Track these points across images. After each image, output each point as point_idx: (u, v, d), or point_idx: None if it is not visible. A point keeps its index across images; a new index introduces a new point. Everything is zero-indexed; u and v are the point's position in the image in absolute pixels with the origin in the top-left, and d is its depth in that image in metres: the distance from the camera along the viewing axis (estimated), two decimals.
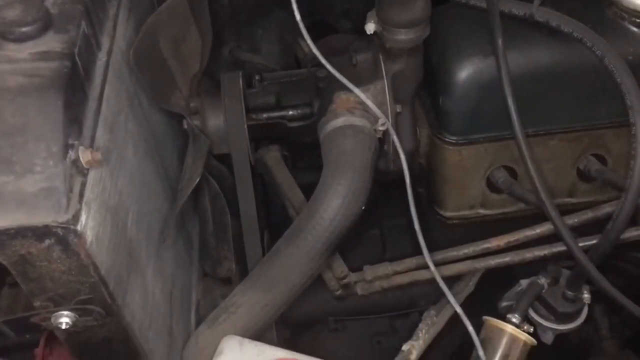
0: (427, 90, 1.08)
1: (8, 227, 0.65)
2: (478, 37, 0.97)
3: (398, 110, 1.03)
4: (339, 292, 1.11)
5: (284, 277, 0.94)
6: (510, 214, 1.09)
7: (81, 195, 0.69)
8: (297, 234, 0.94)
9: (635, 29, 0.97)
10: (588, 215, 1.01)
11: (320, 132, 1.01)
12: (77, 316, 0.75)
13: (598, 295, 1.04)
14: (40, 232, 0.66)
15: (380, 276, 1.08)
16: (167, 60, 0.96)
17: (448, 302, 1.00)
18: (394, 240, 1.27)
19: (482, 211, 1.09)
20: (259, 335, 0.97)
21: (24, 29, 0.73)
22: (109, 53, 0.85)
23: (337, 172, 0.93)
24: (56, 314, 0.74)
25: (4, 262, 0.68)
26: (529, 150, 0.94)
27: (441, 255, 1.05)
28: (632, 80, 0.90)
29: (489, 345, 0.99)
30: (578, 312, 1.06)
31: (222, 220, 1.06)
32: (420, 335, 1.06)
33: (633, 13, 0.96)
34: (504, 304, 1.10)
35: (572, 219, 1.01)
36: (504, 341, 0.99)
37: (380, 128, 0.99)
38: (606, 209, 1.00)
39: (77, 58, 0.74)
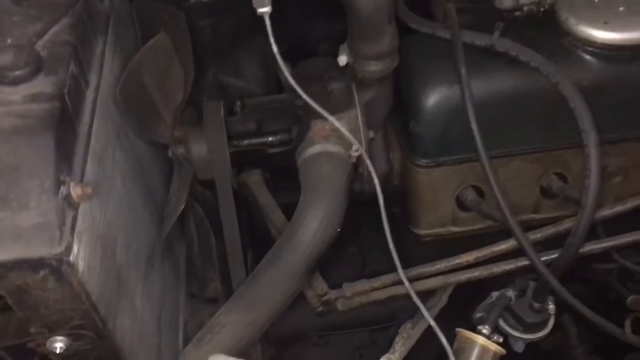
0: (398, 115, 1.14)
1: (6, 260, 0.69)
2: (443, 67, 1.03)
3: (371, 135, 1.09)
4: (320, 308, 1.16)
5: (266, 297, 0.99)
6: (480, 231, 1.14)
7: (73, 227, 0.73)
8: (277, 255, 0.99)
9: (588, 57, 1.03)
10: (550, 230, 1.07)
11: (298, 158, 1.06)
12: (70, 341, 0.79)
13: (566, 304, 1.10)
14: (36, 264, 0.70)
15: (359, 292, 1.13)
16: (152, 94, 1.01)
17: (423, 315, 1.05)
18: (373, 258, 1.32)
19: (453, 228, 1.14)
20: (245, 353, 1.02)
21: (16, 73, 0.78)
22: (97, 89, 0.90)
23: (314, 197, 0.98)
24: (51, 339, 0.78)
25: (2, 292, 0.72)
26: (492, 171, 1.00)
27: (415, 271, 1.10)
28: (584, 105, 0.96)
29: (461, 355, 1.04)
30: (545, 322, 1.11)
31: (207, 244, 1.11)
32: (397, 347, 1.12)
33: (586, 42, 1.02)
34: (477, 315, 1.15)
35: (536, 235, 1.07)
36: (476, 352, 1.04)
37: (354, 153, 1.04)
38: (567, 224, 1.06)
39: (66, 98, 0.78)
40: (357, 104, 1.06)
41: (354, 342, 1.32)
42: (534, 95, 1.02)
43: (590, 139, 0.95)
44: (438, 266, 1.11)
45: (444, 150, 1.07)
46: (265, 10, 0.93)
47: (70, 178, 0.75)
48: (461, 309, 1.18)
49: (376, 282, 1.13)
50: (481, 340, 1.04)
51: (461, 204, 1.12)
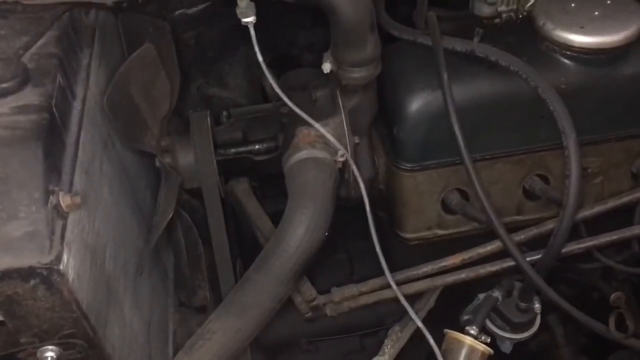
0: (382, 121, 1.15)
1: None
2: (426, 72, 1.05)
3: (356, 141, 1.10)
4: (309, 314, 1.17)
5: (255, 302, 0.99)
6: (465, 233, 1.16)
7: (62, 237, 0.74)
8: (265, 261, 0.99)
9: (566, 61, 1.05)
10: (534, 231, 1.09)
11: (284, 165, 1.08)
12: (61, 350, 0.79)
13: (551, 304, 1.12)
14: (26, 273, 0.71)
15: (347, 297, 1.14)
16: (138, 104, 1.02)
17: (411, 318, 1.06)
18: (361, 263, 1.33)
19: (439, 231, 1.16)
20: (235, 359, 1.02)
21: (4, 85, 0.79)
22: (84, 101, 0.90)
23: (300, 202, 0.99)
24: (41, 348, 0.78)
25: None
26: (476, 174, 1.02)
27: (403, 274, 1.12)
28: (563, 107, 0.99)
29: (449, 356, 1.05)
30: (531, 322, 1.13)
31: (195, 252, 1.12)
32: (386, 350, 1.13)
33: (563, 46, 1.05)
34: (465, 317, 1.17)
35: (520, 236, 1.09)
36: (463, 352, 1.06)
37: (340, 159, 1.06)
38: (549, 225, 1.08)
39: (54, 109, 0.79)
40: (342, 110, 1.07)
41: (344, 347, 1.32)
42: (514, 99, 1.05)
43: (570, 140, 0.98)
44: (425, 269, 1.12)
45: (428, 154, 1.09)
46: (249, 20, 0.95)
47: (59, 188, 0.76)
48: (449, 311, 1.20)
49: (364, 287, 1.14)
50: (469, 341, 1.06)
51: (446, 207, 1.13)
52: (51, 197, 0.74)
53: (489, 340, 1.10)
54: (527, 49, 1.06)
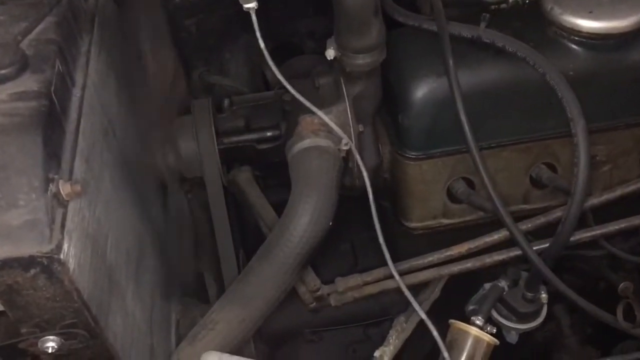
0: (387, 109, 1.14)
1: None
2: (431, 59, 1.04)
3: (360, 129, 1.09)
4: (313, 304, 1.16)
5: (259, 292, 0.99)
6: (471, 222, 1.15)
7: (63, 225, 0.72)
8: (269, 251, 0.98)
9: (574, 46, 1.04)
10: (541, 220, 1.08)
11: (287, 154, 1.06)
12: (62, 340, 0.78)
13: (558, 294, 1.11)
14: (26, 263, 0.69)
15: (352, 287, 1.13)
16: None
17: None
18: (365, 253, 1.32)
19: (444, 221, 1.15)
20: (238, 349, 1.01)
21: (2, 72, 0.77)
22: (83, 88, 0.89)
23: (304, 191, 0.98)
24: (43, 339, 0.77)
25: None
26: (482, 162, 1.01)
27: (407, 264, 1.11)
28: (572, 94, 0.97)
29: (455, 347, 1.04)
30: (537, 312, 1.12)
31: (199, 241, 1.11)
32: (391, 341, 1.12)
33: (571, 31, 1.03)
34: (470, 307, 1.16)
35: (526, 225, 1.07)
36: (469, 343, 1.05)
37: (344, 147, 1.04)
38: (557, 213, 1.07)
39: (53, 96, 0.78)
40: (346, 98, 1.06)
41: (348, 337, 1.32)
42: (521, 86, 1.03)
43: (579, 126, 0.96)
44: (430, 258, 1.11)
45: (433, 142, 1.07)
46: (251, 5, 0.93)
47: (59, 176, 0.74)
48: (454, 301, 1.19)
49: (368, 277, 1.13)
50: (474, 331, 1.05)
51: (452, 196, 1.12)
52: (51, 185, 0.73)
53: (494, 330, 1.09)
54: (534, 35, 1.04)
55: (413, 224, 1.16)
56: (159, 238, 1.15)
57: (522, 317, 1.11)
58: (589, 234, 1.08)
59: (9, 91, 0.76)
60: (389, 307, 1.26)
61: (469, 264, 1.10)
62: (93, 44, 0.97)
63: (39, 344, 0.77)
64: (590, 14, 1.02)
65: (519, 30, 1.04)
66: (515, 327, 1.12)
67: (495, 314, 1.12)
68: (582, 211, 1.00)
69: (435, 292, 1.17)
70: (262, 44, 0.97)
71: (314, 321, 1.26)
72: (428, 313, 1.04)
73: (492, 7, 1.10)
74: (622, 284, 1.11)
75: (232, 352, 0.98)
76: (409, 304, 1.19)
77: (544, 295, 1.10)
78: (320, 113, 1.02)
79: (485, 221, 1.14)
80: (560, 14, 1.03)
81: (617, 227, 1.09)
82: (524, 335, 1.17)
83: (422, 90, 1.04)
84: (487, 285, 1.14)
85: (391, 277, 1.09)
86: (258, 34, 0.95)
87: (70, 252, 0.73)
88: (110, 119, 1.00)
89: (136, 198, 1.07)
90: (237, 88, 1.40)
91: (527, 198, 1.14)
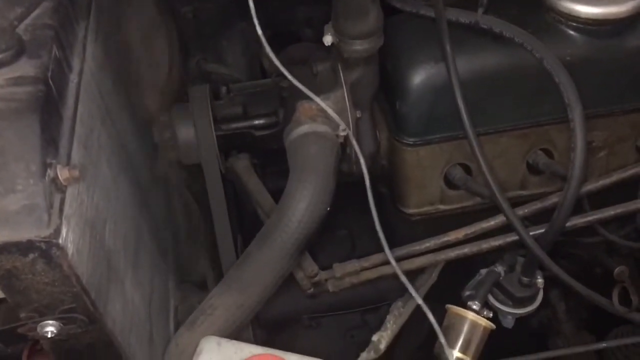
0: (384, 95, 1.14)
1: None
2: (428, 45, 1.03)
3: (358, 115, 1.09)
4: (311, 290, 1.16)
5: (257, 278, 0.99)
6: (468, 208, 1.15)
7: (61, 210, 0.73)
8: (267, 236, 0.99)
9: (572, 32, 1.04)
10: (537, 205, 1.08)
11: (285, 140, 1.06)
12: (61, 325, 0.78)
13: (554, 280, 1.12)
14: (25, 247, 0.69)
15: (349, 273, 1.13)
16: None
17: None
18: (363, 239, 1.33)
19: (441, 207, 1.15)
20: (237, 335, 1.02)
21: None
22: (80, 74, 0.89)
23: (302, 177, 0.98)
24: (42, 323, 0.77)
25: None
26: (480, 148, 1.01)
27: (404, 250, 1.11)
28: (569, 79, 0.97)
29: (451, 331, 1.05)
30: (533, 297, 1.13)
31: (196, 228, 1.11)
32: (389, 325, 1.13)
33: (569, 17, 1.03)
34: (467, 293, 1.16)
35: (523, 210, 1.08)
36: (466, 327, 1.05)
37: (342, 133, 1.04)
38: (553, 199, 1.07)
39: (50, 81, 0.77)
40: (344, 84, 1.06)
41: (345, 323, 1.33)
42: (519, 71, 1.03)
43: (576, 112, 0.96)
44: (427, 244, 1.12)
45: (430, 128, 1.07)
46: None
47: (57, 161, 0.75)
48: (451, 286, 1.19)
49: (366, 262, 1.13)
50: (471, 316, 1.06)
51: (449, 182, 1.12)
52: (49, 170, 0.73)
53: (491, 315, 1.10)
54: (532, 20, 1.04)
55: (410, 210, 1.16)
56: (157, 225, 1.16)
57: (519, 302, 1.12)
58: (585, 220, 1.08)
59: (6, 76, 0.76)
60: (386, 292, 1.27)
61: (465, 250, 1.11)
62: (89, 30, 0.96)
63: (38, 329, 0.78)
64: (588, 0, 1.02)
65: (516, 16, 1.03)
66: (511, 312, 1.13)
67: (491, 299, 1.13)
68: (579, 197, 1.01)
69: (432, 278, 1.18)
70: (259, 31, 0.96)
71: (312, 307, 1.27)
72: (425, 298, 1.04)
73: None
74: (617, 268, 1.12)
75: (231, 338, 0.99)
76: (406, 289, 1.20)
77: (540, 280, 1.11)
78: (317, 99, 1.02)
79: (482, 207, 1.14)
80: (558, 0, 1.03)
81: (613, 212, 1.09)
82: (520, 320, 1.18)
83: (419, 77, 1.03)
84: (484, 271, 1.15)
85: (389, 262, 1.09)
86: (256, 21, 0.95)
87: (68, 237, 0.73)
88: (108, 105, 1.00)
89: (134, 184, 1.07)
90: (234, 76, 1.39)
91: (524, 184, 1.14)
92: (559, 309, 1.33)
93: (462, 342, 1.05)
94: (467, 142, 1.02)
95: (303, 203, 0.96)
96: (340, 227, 1.34)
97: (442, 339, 0.99)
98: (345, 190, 1.09)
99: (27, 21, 0.83)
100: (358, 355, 1.19)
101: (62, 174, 0.74)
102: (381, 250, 1.11)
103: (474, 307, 1.07)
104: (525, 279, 1.10)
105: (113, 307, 0.87)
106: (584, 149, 0.97)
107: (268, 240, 0.98)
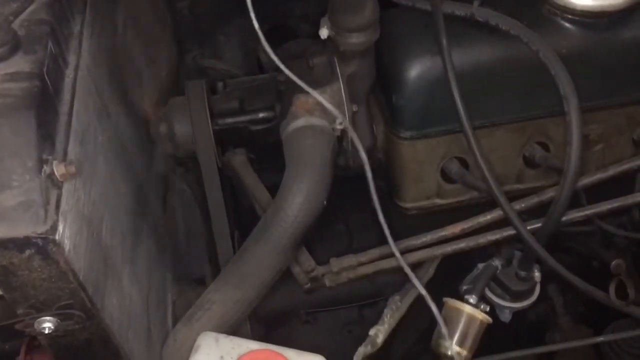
0: (381, 88, 1.14)
1: None
2: (424, 38, 1.03)
3: (354, 109, 1.09)
4: (308, 285, 1.16)
5: (254, 273, 0.99)
6: (465, 202, 1.15)
7: (57, 206, 0.72)
8: (264, 231, 0.99)
9: (567, 25, 1.03)
10: (534, 200, 1.08)
11: (282, 133, 1.06)
12: (59, 321, 0.78)
13: (551, 274, 1.12)
14: (21, 243, 0.69)
15: (346, 267, 1.13)
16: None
17: (411, 287, 1.06)
18: (360, 234, 1.33)
19: (438, 201, 1.15)
20: (234, 330, 1.02)
21: None
22: (76, 69, 0.88)
23: (298, 171, 0.98)
24: (39, 320, 0.77)
25: None
26: (476, 142, 1.01)
27: (402, 244, 1.11)
28: (565, 72, 0.97)
29: (448, 324, 1.05)
30: (531, 290, 1.13)
31: (194, 223, 1.11)
32: (386, 319, 1.13)
33: (565, 9, 1.03)
34: (464, 287, 1.17)
35: (520, 204, 1.08)
36: (463, 320, 1.06)
37: (338, 127, 1.04)
38: (550, 193, 1.07)
39: (46, 77, 0.77)
40: (340, 77, 1.06)
41: (343, 318, 1.33)
42: (515, 64, 1.03)
43: (572, 105, 0.96)
44: (424, 239, 1.12)
45: (427, 122, 1.07)
46: None
47: (53, 157, 0.74)
48: (448, 281, 1.20)
49: (363, 257, 1.13)
50: (468, 309, 1.06)
51: (446, 176, 1.12)
52: (45, 166, 0.73)
53: (488, 309, 1.10)
54: (527, 13, 1.04)
55: (407, 204, 1.16)
56: (155, 221, 1.16)
57: (516, 296, 1.12)
58: (581, 214, 1.08)
59: (1, 72, 0.76)
60: (383, 287, 1.27)
61: (462, 244, 1.11)
62: (85, 25, 0.96)
63: (35, 325, 0.78)
64: None
65: (512, 9, 1.03)
66: (508, 306, 1.13)
67: (488, 293, 1.13)
68: (575, 190, 1.01)
69: (429, 272, 1.18)
70: (256, 25, 0.96)
71: (309, 302, 1.27)
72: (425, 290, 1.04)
73: None
74: (614, 261, 1.12)
75: (228, 333, 0.99)
76: (403, 283, 1.21)
77: (537, 274, 1.11)
78: (314, 92, 1.01)
79: (479, 201, 1.14)
80: None
81: (609, 206, 1.09)
82: (517, 314, 1.18)
83: (415, 70, 1.03)
84: (481, 265, 1.15)
85: (386, 257, 1.09)
86: (253, 16, 0.95)
87: (65, 233, 0.73)
88: (104, 100, 0.99)
89: (130, 180, 1.07)
90: (231, 71, 1.39)
91: (520, 178, 1.14)
92: (556, 303, 1.33)
93: (459, 336, 1.06)
94: (463, 135, 1.02)
95: (299, 197, 0.96)
96: (337, 222, 1.34)
97: (443, 329, 0.99)
98: (342, 184, 1.09)
99: (23, 16, 0.83)
100: (355, 350, 1.19)
101: (59, 169, 0.74)
102: (378, 244, 1.11)
103: (471, 300, 1.07)
104: (522, 273, 1.10)
105: (110, 303, 0.87)
106: (580, 142, 0.97)
107: (265, 235, 0.98)
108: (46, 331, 0.78)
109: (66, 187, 0.76)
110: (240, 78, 1.28)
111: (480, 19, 1.02)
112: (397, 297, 1.17)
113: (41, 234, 0.70)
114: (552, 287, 1.34)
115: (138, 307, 0.99)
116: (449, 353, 1.06)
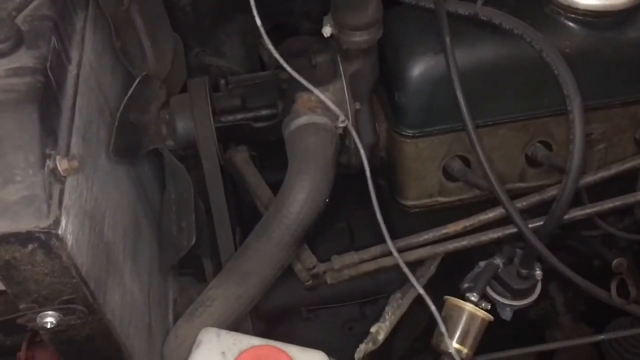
0: (384, 87, 1.14)
1: None
2: (428, 36, 1.03)
3: (357, 107, 1.09)
4: (309, 282, 1.16)
5: (255, 269, 0.99)
6: (467, 200, 1.15)
7: (60, 201, 0.73)
8: (266, 227, 0.99)
9: (571, 24, 1.03)
10: (536, 198, 1.08)
11: (284, 131, 1.06)
12: (61, 316, 0.79)
13: (552, 273, 1.12)
14: (24, 238, 0.70)
15: (348, 265, 1.13)
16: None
17: (412, 285, 1.06)
18: (361, 232, 1.32)
19: (440, 199, 1.15)
20: (235, 326, 1.02)
21: None
22: (79, 65, 0.89)
23: (301, 168, 0.98)
24: (41, 314, 0.78)
25: None
26: (479, 140, 1.01)
27: (404, 242, 1.11)
28: (568, 71, 0.97)
29: (449, 322, 1.05)
30: (532, 289, 1.13)
31: (196, 220, 1.10)
32: (387, 317, 1.13)
33: (568, 9, 1.03)
34: (465, 284, 1.17)
35: (522, 202, 1.08)
36: (464, 318, 1.06)
37: (341, 125, 1.04)
38: (552, 191, 1.07)
39: (49, 72, 0.77)
40: (343, 76, 1.06)
41: (344, 315, 1.33)
42: (518, 63, 1.03)
43: (575, 104, 0.96)
44: (426, 236, 1.11)
45: (429, 120, 1.07)
46: None
47: (56, 152, 0.75)
48: (449, 279, 1.20)
49: (365, 254, 1.13)
50: (469, 307, 1.06)
51: (448, 174, 1.12)
52: (48, 161, 0.73)
53: (489, 307, 1.10)
54: (531, 12, 1.04)
55: (409, 202, 1.16)
56: (156, 217, 1.16)
57: (517, 294, 1.12)
58: (583, 212, 1.08)
59: (5, 67, 0.76)
60: (385, 285, 1.27)
61: (464, 242, 1.11)
62: (88, 20, 0.96)
63: (38, 320, 0.78)
64: None
65: (515, 8, 1.03)
66: (509, 304, 1.13)
67: (490, 291, 1.13)
68: (577, 189, 1.01)
69: (430, 270, 1.18)
70: (258, 22, 0.96)
71: (310, 299, 1.27)
72: (424, 290, 1.04)
73: None
74: (615, 260, 1.12)
75: (230, 329, 0.99)
76: (404, 281, 1.21)
77: (538, 272, 1.11)
78: (316, 91, 1.01)
79: (480, 199, 1.14)
80: None
81: (611, 205, 1.09)
82: (518, 312, 1.18)
83: (418, 68, 1.03)
84: (482, 263, 1.15)
85: (387, 254, 1.09)
86: (255, 13, 0.95)
87: (68, 228, 0.73)
88: (106, 97, 0.99)
89: (132, 175, 1.07)
90: (233, 69, 1.39)
91: (522, 176, 1.14)
92: (557, 301, 1.33)
93: (460, 333, 1.06)
94: (466, 134, 1.02)
95: (301, 194, 0.96)
96: (338, 220, 1.34)
97: (442, 328, 1.00)
98: (344, 182, 1.09)
99: (26, 12, 0.83)
100: (357, 347, 1.19)
101: (62, 164, 0.74)
102: (380, 242, 1.11)
103: (472, 298, 1.07)
104: (523, 271, 1.10)
105: (112, 298, 0.87)
106: (583, 141, 0.97)
107: (267, 232, 0.98)
108: (48, 326, 0.79)
109: (69, 182, 0.76)
110: (242, 75, 1.27)
111: (484, 17, 1.02)
112: (398, 295, 1.17)
113: (44, 228, 0.70)
114: (553, 285, 1.34)
115: (139, 302, 0.99)
116: (450, 351, 1.06)
